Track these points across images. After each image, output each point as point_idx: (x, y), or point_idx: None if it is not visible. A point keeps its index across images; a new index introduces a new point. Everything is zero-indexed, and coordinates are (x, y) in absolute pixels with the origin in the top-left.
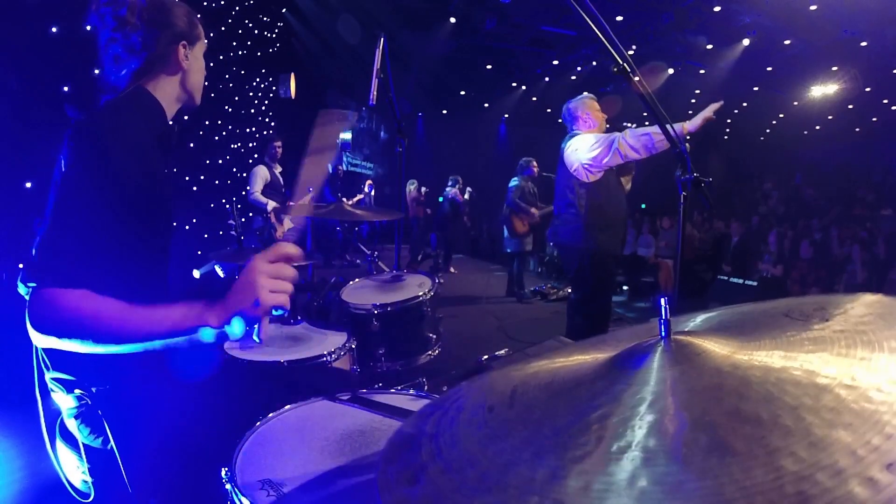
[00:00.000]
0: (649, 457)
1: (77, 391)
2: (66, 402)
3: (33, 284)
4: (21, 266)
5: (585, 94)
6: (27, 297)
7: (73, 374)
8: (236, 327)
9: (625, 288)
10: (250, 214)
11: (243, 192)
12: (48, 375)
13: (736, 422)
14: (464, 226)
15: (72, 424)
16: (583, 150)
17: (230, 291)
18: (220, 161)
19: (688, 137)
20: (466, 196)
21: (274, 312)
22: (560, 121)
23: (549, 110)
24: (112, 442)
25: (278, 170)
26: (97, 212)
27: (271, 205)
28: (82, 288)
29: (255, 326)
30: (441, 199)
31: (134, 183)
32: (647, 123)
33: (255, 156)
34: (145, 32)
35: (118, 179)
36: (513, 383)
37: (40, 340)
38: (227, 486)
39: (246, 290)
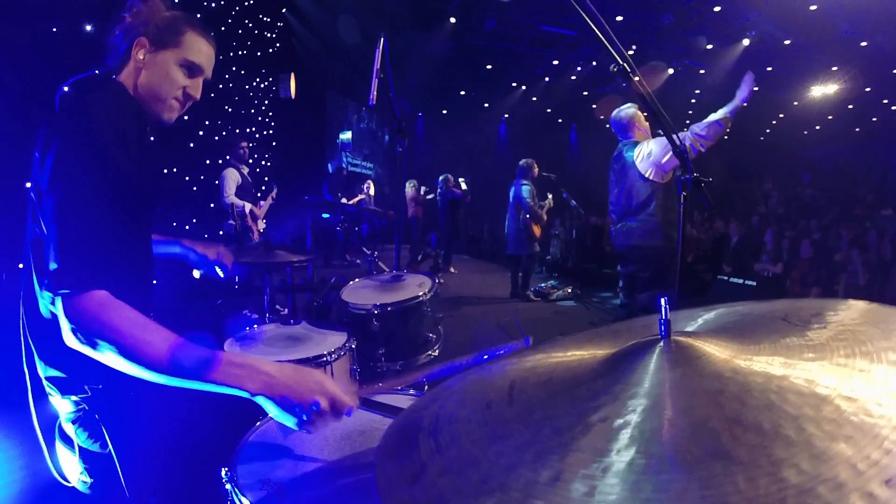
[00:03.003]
0: (653, 463)
1: (73, 397)
2: (63, 406)
3: (66, 291)
4: (51, 270)
5: (631, 104)
6: (54, 306)
7: (65, 371)
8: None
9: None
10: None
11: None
12: (42, 374)
13: (738, 429)
14: (464, 220)
15: (69, 429)
16: (657, 154)
17: (286, 373)
18: (220, 161)
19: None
20: (464, 187)
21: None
22: (560, 121)
23: (549, 110)
24: (110, 446)
25: (246, 170)
26: (99, 205)
27: (248, 207)
28: (106, 286)
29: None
30: (438, 199)
31: (127, 174)
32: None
33: (227, 157)
34: (129, 13)
35: (115, 171)
36: (510, 378)
37: (79, 348)
38: (227, 486)
39: (301, 382)
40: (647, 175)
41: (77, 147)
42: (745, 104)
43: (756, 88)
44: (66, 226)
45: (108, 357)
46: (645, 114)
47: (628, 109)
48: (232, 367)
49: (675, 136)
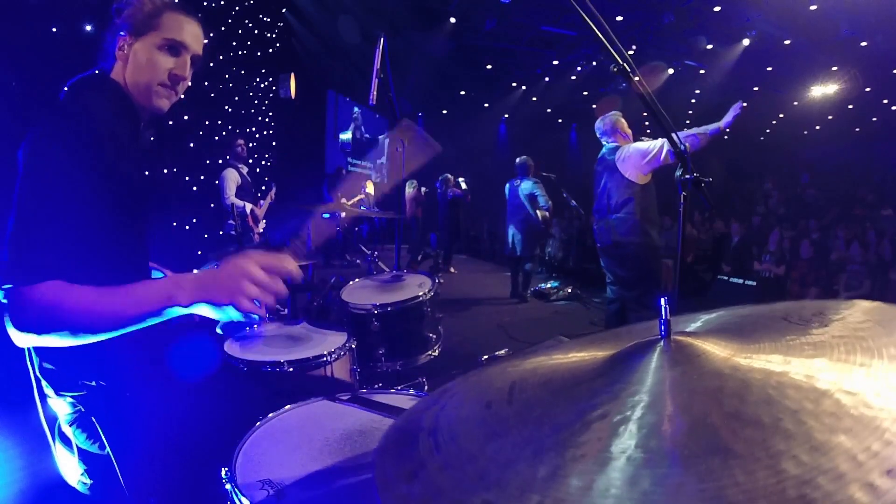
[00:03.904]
0: (650, 458)
1: (68, 397)
2: (60, 407)
3: (9, 286)
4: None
5: (615, 111)
6: (4, 300)
7: (55, 363)
8: (219, 314)
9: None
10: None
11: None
12: (36, 366)
13: (737, 424)
14: (464, 220)
15: (68, 431)
16: (638, 156)
17: (208, 276)
18: (220, 161)
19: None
20: (464, 186)
21: (238, 318)
22: (560, 121)
23: (548, 110)
24: (108, 448)
25: (245, 170)
26: (64, 199)
27: (248, 207)
28: (55, 279)
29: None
30: (438, 199)
31: (100, 167)
32: (646, 123)
33: (226, 157)
34: (118, 16)
35: (83, 164)
36: (511, 380)
37: (21, 339)
38: (227, 486)
39: (223, 282)
40: (626, 176)
41: (50, 143)
42: (728, 129)
43: (739, 113)
44: (21, 219)
45: (52, 340)
46: (644, 113)
47: (612, 116)
48: (163, 288)
49: (676, 138)
